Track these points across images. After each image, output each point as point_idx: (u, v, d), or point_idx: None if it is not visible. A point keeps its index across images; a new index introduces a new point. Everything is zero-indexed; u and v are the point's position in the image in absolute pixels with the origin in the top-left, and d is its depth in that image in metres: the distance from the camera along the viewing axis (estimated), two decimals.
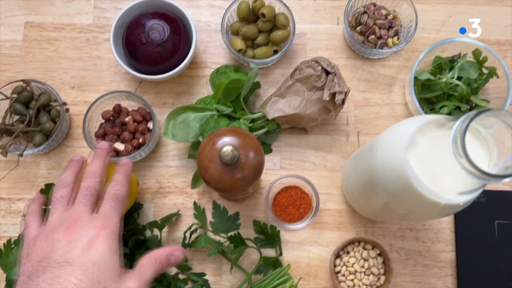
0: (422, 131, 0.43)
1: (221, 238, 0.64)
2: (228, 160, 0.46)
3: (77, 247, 0.43)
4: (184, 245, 0.63)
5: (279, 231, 0.65)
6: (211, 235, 0.65)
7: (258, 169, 0.50)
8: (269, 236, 0.65)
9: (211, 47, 0.73)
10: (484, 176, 0.34)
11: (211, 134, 0.50)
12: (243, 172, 0.48)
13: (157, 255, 0.47)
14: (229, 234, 0.64)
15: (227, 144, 0.47)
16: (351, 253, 0.63)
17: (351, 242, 0.64)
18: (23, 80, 0.65)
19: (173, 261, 0.47)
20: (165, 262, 0.47)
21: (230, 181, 0.48)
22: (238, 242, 0.64)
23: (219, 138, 0.49)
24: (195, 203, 0.65)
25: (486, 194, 0.67)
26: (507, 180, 0.34)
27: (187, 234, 0.63)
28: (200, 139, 0.63)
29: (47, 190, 0.62)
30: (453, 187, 0.41)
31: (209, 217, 0.66)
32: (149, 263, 0.46)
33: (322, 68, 0.62)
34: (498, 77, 0.65)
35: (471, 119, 0.35)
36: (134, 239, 0.62)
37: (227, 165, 0.47)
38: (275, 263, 0.64)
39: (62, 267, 0.41)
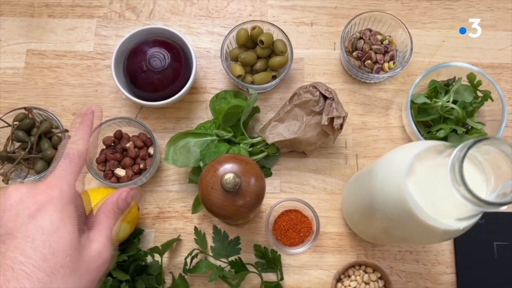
0: (420, 157, 0.43)
1: (222, 263, 0.64)
2: (230, 187, 0.46)
3: (21, 215, 0.35)
4: (185, 271, 0.62)
5: (279, 255, 0.65)
6: (211, 259, 0.65)
7: (259, 196, 0.51)
8: (270, 261, 0.65)
9: (210, 73, 0.74)
10: (483, 204, 0.34)
11: (212, 161, 0.51)
12: (245, 199, 0.49)
13: (106, 207, 0.41)
14: (230, 259, 0.64)
15: (228, 171, 0.47)
16: (352, 277, 0.63)
17: (351, 266, 0.64)
18: (25, 108, 0.65)
19: (121, 205, 0.42)
20: (117, 209, 0.41)
21: (232, 208, 0.49)
22: (239, 267, 0.64)
23: (221, 165, 0.49)
24: (195, 228, 0.65)
25: (485, 215, 0.67)
26: (505, 207, 0.35)
27: (188, 260, 0.63)
28: (201, 164, 0.63)
29: None
30: (452, 213, 0.42)
31: (210, 242, 0.67)
32: (103, 217, 0.40)
33: (320, 93, 0.63)
34: (492, 100, 0.66)
35: (469, 148, 0.36)
36: (135, 265, 0.62)
37: (229, 192, 0.48)
38: (275, 287, 0.64)
39: (4, 243, 0.34)
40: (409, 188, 0.43)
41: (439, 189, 0.40)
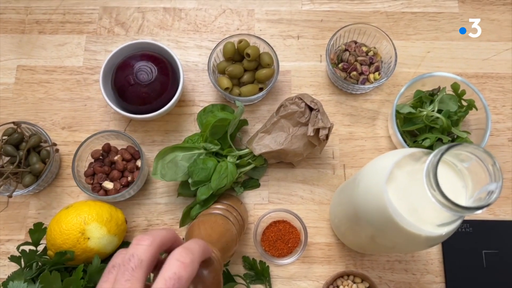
0: (399, 165, 0.44)
1: None
2: None
3: None
4: None
5: (268, 266, 0.65)
6: None
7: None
8: (258, 272, 0.65)
9: (199, 86, 0.75)
10: (457, 209, 0.35)
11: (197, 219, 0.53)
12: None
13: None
14: None
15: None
16: (341, 287, 0.63)
17: (340, 276, 0.64)
18: (13, 122, 0.66)
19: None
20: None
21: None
22: (227, 279, 0.64)
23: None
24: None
25: (473, 224, 0.68)
26: (480, 212, 0.35)
27: None
28: (189, 180, 0.63)
29: (36, 230, 0.62)
30: (432, 220, 0.42)
31: None
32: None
33: (306, 104, 0.64)
34: (476, 109, 0.67)
35: (442, 153, 0.36)
36: None
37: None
38: None
39: None
40: (389, 195, 0.43)
41: (418, 196, 0.40)
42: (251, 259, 0.65)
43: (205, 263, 0.41)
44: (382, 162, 0.46)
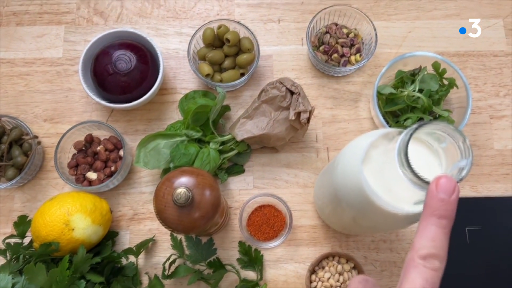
0: (375, 145, 0.44)
1: (200, 266, 0.65)
2: (182, 203, 0.47)
3: None
4: (164, 277, 0.62)
5: (262, 255, 0.65)
6: (190, 263, 0.65)
7: (215, 205, 0.51)
8: (252, 259, 0.65)
9: (180, 73, 0.74)
10: (426, 185, 0.35)
11: (163, 178, 0.52)
12: (200, 211, 0.49)
13: None
14: (208, 260, 0.64)
15: (179, 186, 0.48)
16: (326, 268, 0.64)
17: (325, 257, 0.64)
18: None
19: None
20: None
21: (189, 221, 0.49)
22: (217, 266, 0.64)
23: (171, 181, 0.50)
24: (171, 235, 0.65)
25: None
26: None
27: (166, 265, 0.63)
28: (171, 165, 0.64)
29: (20, 223, 0.62)
30: (408, 198, 0.42)
31: None
32: None
33: (287, 88, 0.64)
34: (458, 87, 0.67)
35: (413, 132, 0.36)
36: (110, 267, 0.62)
37: (183, 207, 0.48)
38: (254, 287, 0.64)
39: None
40: (365, 175, 0.43)
41: (392, 175, 0.41)
42: (247, 245, 0.66)
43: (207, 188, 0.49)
44: (359, 143, 0.47)
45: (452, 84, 0.67)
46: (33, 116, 0.72)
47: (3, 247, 0.60)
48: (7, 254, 0.59)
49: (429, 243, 0.33)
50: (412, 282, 0.32)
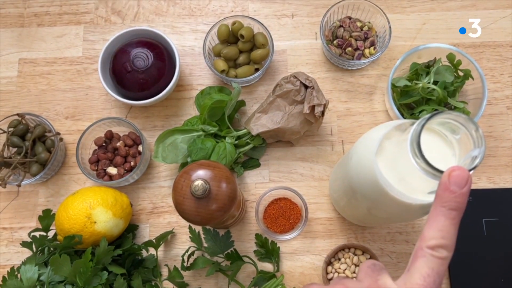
0: (388, 136, 0.45)
1: (218, 258, 0.66)
2: (200, 194, 0.48)
3: None
4: (183, 268, 0.64)
5: (279, 247, 0.66)
6: (208, 254, 0.67)
7: (231, 197, 0.52)
8: (269, 251, 0.66)
9: (196, 70, 0.76)
10: (439, 174, 0.36)
11: (181, 171, 0.53)
12: (218, 203, 0.51)
13: None
14: (225, 252, 0.66)
15: (197, 179, 0.49)
16: (342, 259, 0.64)
17: (341, 249, 0.65)
18: (18, 114, 0.68)
19: None
20: None
21: (206, 213, 0.51)
22: (235, 258, 0.65)
23: (189, 174, 0.52)
24: (190, 227, 0.66)
25: (472, 193, 0.68)
26: None
27: (185, 257, 0.65)
28: (189, 159, 0.65)
29: (45, 216, 0.64)
30: (421, 188, 0.43)
31: None
32: None
33: (301, 82, 0.65)
34: (473, 78, 0.67)
35: (426, 121, 0.37)
36: (131, 259, 0.64)
37: (200, 198, 0.50)
38: (271, 278, 0.65)
39: None
40: (379, 166, 0.44)
41: (405, 165, 0.41)
42: (263, 237, 0.67)
43: (223, 180, 0.51)
44: (372, 135, 0.47)
45: (467, 75, 0.67)
46: (55, 114, 0.74)
47: (29, 240, 0.62)
48: (33, 246, 0.62)
49: (438, 233, 0.34)
50: (418, 270, 0.33)
